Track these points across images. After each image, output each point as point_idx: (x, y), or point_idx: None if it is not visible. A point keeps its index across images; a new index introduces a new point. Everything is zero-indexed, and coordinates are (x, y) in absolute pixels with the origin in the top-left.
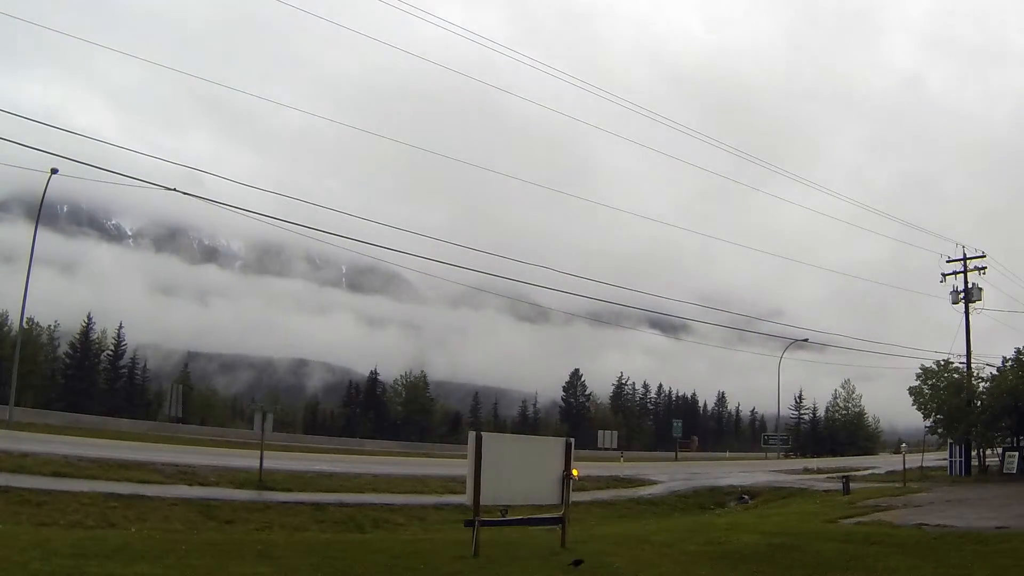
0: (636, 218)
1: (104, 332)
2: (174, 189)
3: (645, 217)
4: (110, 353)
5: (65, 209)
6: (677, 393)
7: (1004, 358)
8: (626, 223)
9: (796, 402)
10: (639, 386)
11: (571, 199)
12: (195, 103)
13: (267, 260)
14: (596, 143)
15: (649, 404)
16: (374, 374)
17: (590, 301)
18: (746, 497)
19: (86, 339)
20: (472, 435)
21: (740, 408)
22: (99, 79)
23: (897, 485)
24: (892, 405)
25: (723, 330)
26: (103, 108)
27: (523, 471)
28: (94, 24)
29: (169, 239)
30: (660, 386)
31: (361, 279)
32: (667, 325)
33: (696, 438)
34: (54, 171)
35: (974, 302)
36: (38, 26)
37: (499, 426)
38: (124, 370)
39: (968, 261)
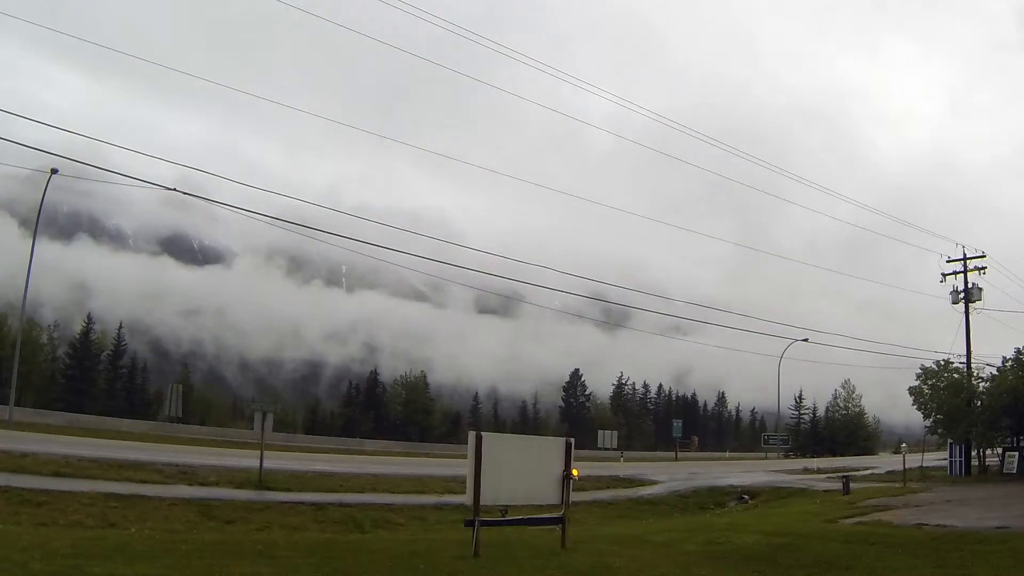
0: (634, 217)
1: (104, 332)
2: (174, 189)
3: (643, 216)
4: (110, 353)
5: (65, 209)
6: (677, 393)
7: (1004, 358)
8: (622, 221)
9: (796, 402)
10: (639, 386)
11: (567, 197)
12: None
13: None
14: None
15: (649, 404)
16: (374, 374)
17: (590, 301)
18: (746, 497)
19: (86, 339)
20: (472, 435)
21: (740, 408)
22: None
23: (897, 485)
24: (892, 405)
25: (723, 329)
26: None
27: (523, 471)
28: None
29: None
30: (660, 386)
31: (359, 278)
32: (668, 325)
33: (696, 438)
34: (54, 171)
35: (974, 302)
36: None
37: (499, 426)
38: (124, 370)
39: (968, 261)
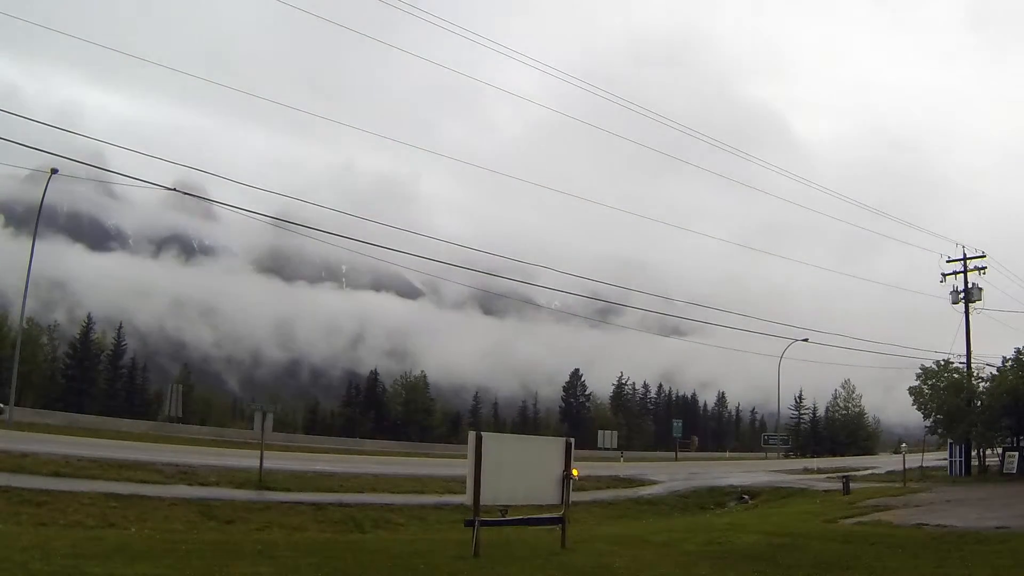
0: (634, 217)
1: (104, 332)
2: (174, 189)
3: (643, 216)
4: (110, 353)
5: (65, 209)
6: (677, 393)
7: (1004, 358)
8: (624, 222)
9: (796, 402)
10: (639, 386)
11: (567, 198)
12: None
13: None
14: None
15: (649, 404)
16: (374, 374)
17: (590, 301)
18: (746, 497)
19: (86, 339)
20: (472, 435)
21: (740, 408)
22: None
23: (897, 485)
24: (891, 405)
25: (723, 329)
26: None
27: (523, 471)
28: None
29: (167, 240)
30: (660, 386)
31: (361, 279)
32: (668, 325)
33: (696, 438)
34: (54, 171)
35: (974, 302)
36: None
37: (499, 426)
38: (124, 370)
39: (968, 261)
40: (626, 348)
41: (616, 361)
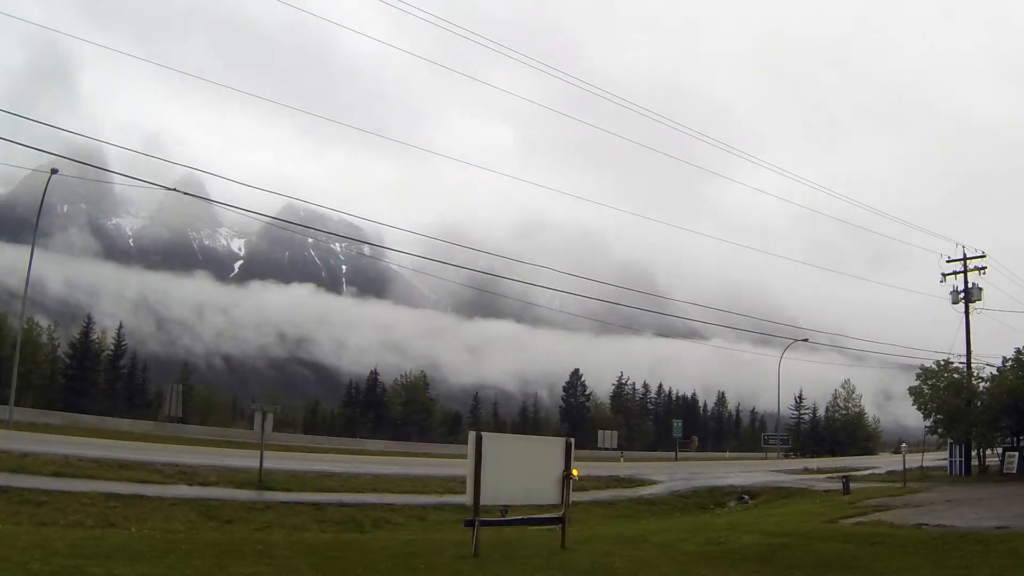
0: (636, 218)
1: (104, 332)
2: (174, 189)
3: (644, 217)
4: (110, 353)
5: (65, 209)
6: (677, 393)
7: (1004, 358)
8: (624, 222)
9: (796, 402)
10: (639, 386)
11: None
12: None
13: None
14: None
15: (649, 404)
16: (374, 374)
17: (591, 301)
18: (746, 497)
19: (86, 339)
20: (472, 435)
21: (740, 408)
22: None
23: (897, 485)
24: (891, 404)
25: (723, 330)
26: None
27: (523, 471)
28: None
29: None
30: (660, 386)
31: (361, 280)
32: (668, 326)
33: (696, 438)
34: (54, 171)
35: (974, 302)
36: None
37: (499, 426)
38: (124, 370)
39: (968, 261)
40: (626, 348)
41: (616, 361)
